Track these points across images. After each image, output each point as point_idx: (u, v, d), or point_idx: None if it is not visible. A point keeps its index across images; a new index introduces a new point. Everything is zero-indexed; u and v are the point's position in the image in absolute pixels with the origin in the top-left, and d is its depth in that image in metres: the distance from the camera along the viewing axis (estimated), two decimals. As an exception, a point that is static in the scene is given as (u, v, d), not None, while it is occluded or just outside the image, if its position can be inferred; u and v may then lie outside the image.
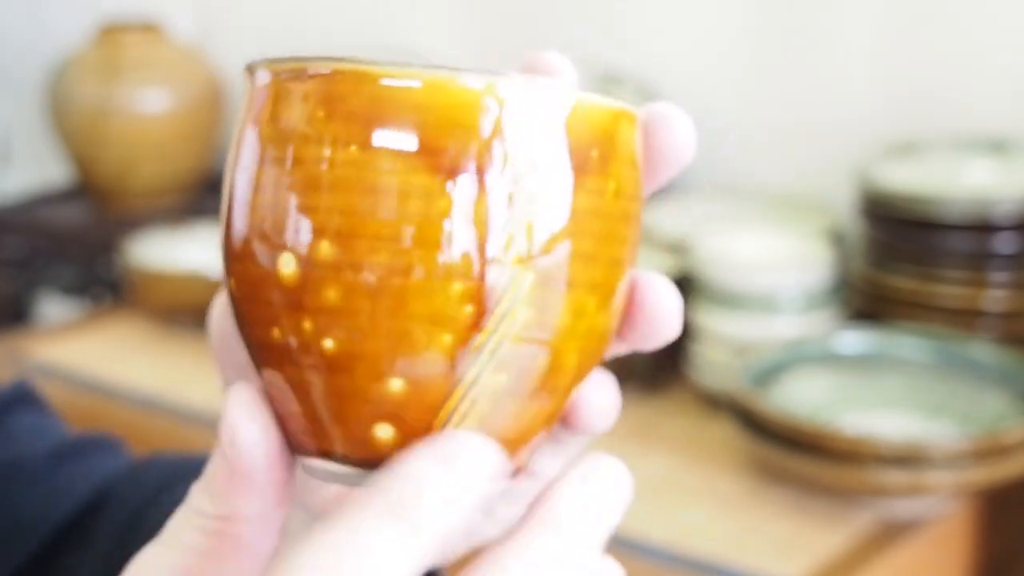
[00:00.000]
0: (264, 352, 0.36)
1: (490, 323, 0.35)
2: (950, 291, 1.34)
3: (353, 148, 0.34)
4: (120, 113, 1.89)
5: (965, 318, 1.34)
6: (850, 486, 1.16)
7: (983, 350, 1.29)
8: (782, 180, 1.63)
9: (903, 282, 1.37)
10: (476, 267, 0.34)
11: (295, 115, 0.35)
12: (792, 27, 1.60)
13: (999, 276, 1.34)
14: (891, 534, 1.16)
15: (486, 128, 0.34)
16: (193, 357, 1.57)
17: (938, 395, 1.29)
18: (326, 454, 0.36)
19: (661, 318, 0.39)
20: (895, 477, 1.14)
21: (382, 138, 0.34)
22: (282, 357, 0.36)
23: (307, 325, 0.35)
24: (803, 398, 1.29)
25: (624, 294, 0.38)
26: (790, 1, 1.60)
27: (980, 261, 1.34)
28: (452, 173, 0.34)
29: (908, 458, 1.14)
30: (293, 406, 0.36)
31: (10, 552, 0.61)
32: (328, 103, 0.34)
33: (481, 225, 0.34)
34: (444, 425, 0.35)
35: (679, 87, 1.68)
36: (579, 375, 0.38)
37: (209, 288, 1.60)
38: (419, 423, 0.35)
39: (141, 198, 1.94)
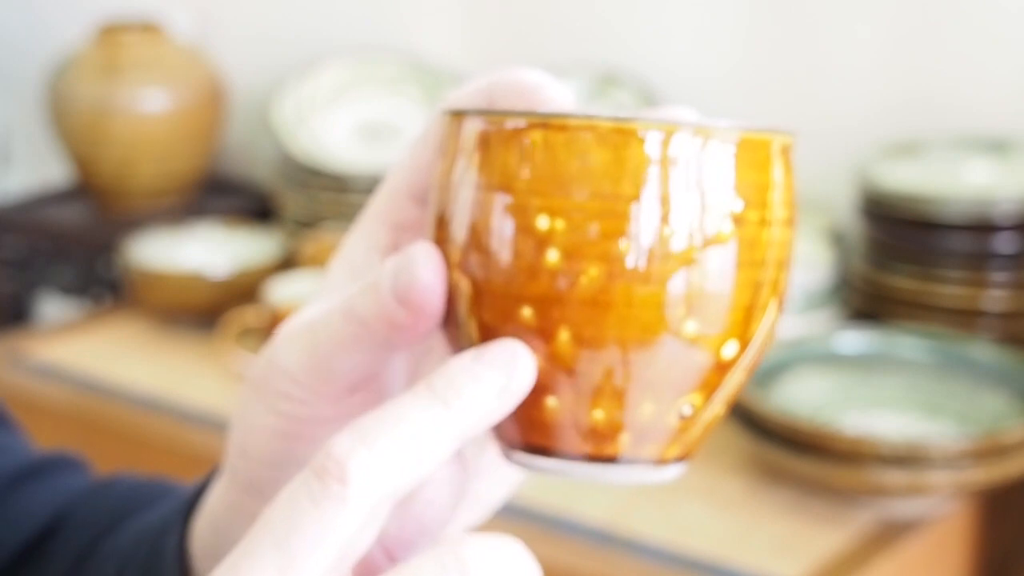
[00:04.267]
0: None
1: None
2: (950, 291, 1.34)
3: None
4: (120, 113, 1.89)
5: (965, 318, 1.34)
6: (850, 486, 1.16)
7: (983, 350, 1.29)
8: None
9: (903, 282, 1.37)
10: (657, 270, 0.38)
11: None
12: (792, 28, 1.60)
13: (999, 276, 1.34)
14: (891, 534, 1.16)
15: (664, 166, 0.38)
16: (193, 357, 1.57)
17: (938, 395, 1.29)
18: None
19: None
20: (895, 477, 1.14)
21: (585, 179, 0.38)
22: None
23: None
24: (803, 398, 1.29)
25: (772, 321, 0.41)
26: (790, 1, 1.60)
27: (980, 261, 1.34)
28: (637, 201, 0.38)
29: (908, 458, 1.14)
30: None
31: None
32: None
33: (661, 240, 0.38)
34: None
35: (679, 88, 1.68)
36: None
37: (209, 288, 1.60)
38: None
39: (141, 198, 1.94)
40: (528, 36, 1.80)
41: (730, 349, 0.39)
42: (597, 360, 0.38)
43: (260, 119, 1.95)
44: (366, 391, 0.44)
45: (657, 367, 0.39)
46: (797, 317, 1.36)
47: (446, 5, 1.87)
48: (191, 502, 0.53)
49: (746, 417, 1.23)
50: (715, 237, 0.38)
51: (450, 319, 0.41)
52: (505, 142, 0.39)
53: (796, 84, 1.61)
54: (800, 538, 1.15)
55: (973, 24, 1.49)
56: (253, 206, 1.95)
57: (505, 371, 0.38)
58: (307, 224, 1.73)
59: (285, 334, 0.44)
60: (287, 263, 1.65)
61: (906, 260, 1.37)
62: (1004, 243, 1.33)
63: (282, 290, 1.48)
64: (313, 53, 1.93)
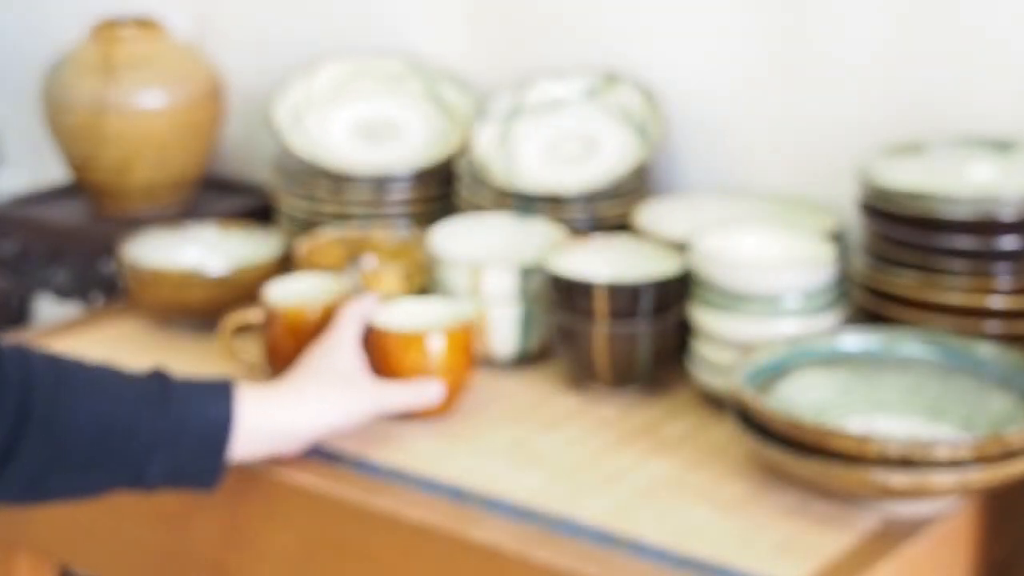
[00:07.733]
0: None
1: None
2: (954, 291, 1.34)
3: None
4: (117, 111, 1.88)
5: (969, 318, 1.33)
6: (853, 487, 1.16)
7: (987, 351, 1.29)
8: (784, 179, 1.62)
9: (906, 282, 1.36)
10: None
11: None
12: (793, 27, 1.60)
13: (1003, 276, 1.33)
14: (895, 536, 1.16)
15: None
16: (192, 357, 1.56)
17: (942, 396, 1.29)
18: None
19: None
20: (898, 478, 1.13)
21: None
22: None
23: None
24: (805, 399, 1.28)
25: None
26: (791, 1, 1.59)
27: (984, 261, 1.33)
28: None
29: (912, 459, 1.13)
30: None
31: None
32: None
33: None
34: None
35: (679, 87, 1.68)
36: None
37: (207, 288, 1.60)
38: None
39: (139, 197, 1.93)
40: (528, 36, 1.80)
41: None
42: None
43: (259, 118, 1.94)
44: None
45: None
46: (799, 318, 1.35)
47: (446, 5, 1.86)
48: None
49: (748, 418, 1.22)
50: None
51: None
52: None
53: (797, 84, 1.61)
54: (803, 540, 1.15)
55: (976, 22, 1.49)
56: (252, 206, 1.94)
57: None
58: (306, 224, 1.72)
59: None
60: (286, 263, 1.64)
61: (909, 259, 1.36)
62: (1009, 242, 1.32)
63: (281, 290, 1.48)
64: (313, 53, 1.93)
